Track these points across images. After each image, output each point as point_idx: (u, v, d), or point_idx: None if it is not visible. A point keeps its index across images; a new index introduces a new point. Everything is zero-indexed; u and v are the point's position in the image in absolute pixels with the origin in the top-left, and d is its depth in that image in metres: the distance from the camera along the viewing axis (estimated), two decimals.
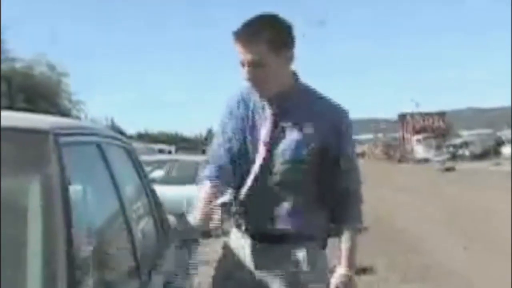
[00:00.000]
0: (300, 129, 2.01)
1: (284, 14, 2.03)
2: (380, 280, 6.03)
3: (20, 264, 1.25)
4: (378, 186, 16.29)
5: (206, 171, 2.06)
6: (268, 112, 2.05)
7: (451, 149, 49.04)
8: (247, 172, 2.05)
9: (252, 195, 2.05)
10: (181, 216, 2.16)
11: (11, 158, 1.38)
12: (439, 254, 7.37)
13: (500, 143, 45.83)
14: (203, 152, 20.51)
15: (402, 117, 65.76)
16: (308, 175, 2.04)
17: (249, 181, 2.04)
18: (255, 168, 2.04)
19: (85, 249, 1.38)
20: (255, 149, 2.05)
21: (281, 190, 2.04)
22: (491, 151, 43.78)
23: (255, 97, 2.07)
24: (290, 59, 2.02)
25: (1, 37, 24.39)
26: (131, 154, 2.54)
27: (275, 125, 2.03)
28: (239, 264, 2.10)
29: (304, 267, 2.04)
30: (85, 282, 1.31)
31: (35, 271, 1.23)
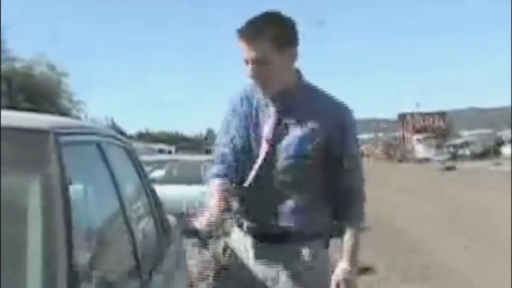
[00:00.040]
0: (304, 126, 2.00)
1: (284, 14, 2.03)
2: (380, 279, 6.02)
3: (20, 264, 1.24)
4: (379, 185, 16.25)
5: (214, 169, 2.06)
6: (272, 109, 2.04)
7: (451, 149, 49.09)
8: (250, 169, 2.04)
9: (254, 192, 2.04)
10: (181, 216, 2.15)
11: (11, 158, 1.38)
12: (440, 253, 7.36)
13: (500, 143, 45.91)
14: (207, 152, 20.48)
15: (402, 117, 65.90)
16: (311, 171, 2.03)
17: (251, 177, 2.03)
18: (258, 164, 2.03)
19: (85, 249, 1.38)
20: (259, 146, 2.04)
21: (284, 187, 2.02)
22: (491, 151, 43.83)
23: (258, 95, 2.06)
24: (294, 56, 2.02)
25: (1, 37, 24.44)
26: (131, 154, 2.54)
27: (278, 122, 2.03)
28: (241, 263, 2.10)
29: (307, 265, 2.04)
30: (85, 282, 1.31)
31: (35, 271, 1.23)
